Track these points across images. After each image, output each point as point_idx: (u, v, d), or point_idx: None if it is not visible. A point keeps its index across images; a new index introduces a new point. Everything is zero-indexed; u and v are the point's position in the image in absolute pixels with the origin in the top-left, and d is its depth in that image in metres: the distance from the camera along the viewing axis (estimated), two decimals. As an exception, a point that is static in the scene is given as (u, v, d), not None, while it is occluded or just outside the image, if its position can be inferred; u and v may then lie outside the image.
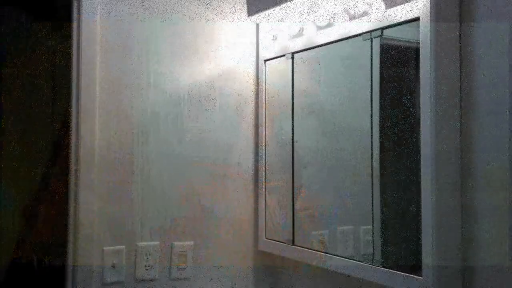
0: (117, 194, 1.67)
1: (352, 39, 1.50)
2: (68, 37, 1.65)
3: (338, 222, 1.61)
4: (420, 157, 1.25)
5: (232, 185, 1.87)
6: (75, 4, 1.64)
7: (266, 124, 1.87)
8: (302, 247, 1.68)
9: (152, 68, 1.74)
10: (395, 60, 1.43)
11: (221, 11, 1.85)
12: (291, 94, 1.74)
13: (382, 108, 1.43)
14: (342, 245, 1.57)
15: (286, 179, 1.75)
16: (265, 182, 1.86)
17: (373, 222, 1.43)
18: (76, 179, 1.61)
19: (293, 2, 1.59)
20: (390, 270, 1.35)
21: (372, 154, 1.43)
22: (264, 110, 1.87)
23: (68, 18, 1.66)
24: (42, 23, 3.20)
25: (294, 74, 1.74)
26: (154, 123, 1.74)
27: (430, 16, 1.23)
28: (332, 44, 1.58)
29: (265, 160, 1.87)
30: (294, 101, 1.74)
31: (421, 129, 1.25)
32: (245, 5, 1.89)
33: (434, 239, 1.21)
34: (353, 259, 1.49)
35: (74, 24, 1.63)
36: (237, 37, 1.89)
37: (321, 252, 1.61)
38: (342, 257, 1.53)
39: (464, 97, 1.25)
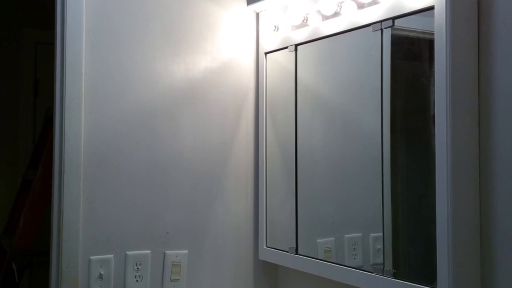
0: (105, 198, 1.66)
1: (361, 29, 1.50)
2: (52, 27, 1.65)
3: (345, 229, 1.61)
4: (434, 158, 1.25)
5: (230, 188, 1.86)
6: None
7: (267, 122, 1.86)
8: (306, 256, 1.68)
9: (144, 61, 1.73)
10: (408, 52, 1.43)
11: (218, -1, 1.86)
12: (294, 89, 1.74)
13: (393, 104, 1.42)
14: (350, 254, 1.57)
15: (289, 181, 1.75)
16: (265, 185, 1.86)
17: (383, 228, 1.42)
18: (60, 181, 1.60)
19: (296, -11, 1.60)
20: (402, 281, 1.34)
21: (382, 154, 1.43)
22: (264, 106, 1.87)
23: (52, 7, 1.66)
24: (23, 11, 3.20)
25: (298, 68, 1.74)
26: (146, 121, 1.73)
27: (446, 5, 1.23)
28: (339, 35, 1.58)
29: (266, 160, 1.86)
30: (297, 97, 1.74)
31: (436, 127, 1.25)
32: (244, -8, 1.89)
33: (450, 247, 1.21)
34: (361, 269, 1.49)
35: (58, 13, 1.63)
36: (235, 28, 1.88)
37: (327, 261, 1.61)
38: (349, 267, 1.53)
39: (483, 93, 1.25)
